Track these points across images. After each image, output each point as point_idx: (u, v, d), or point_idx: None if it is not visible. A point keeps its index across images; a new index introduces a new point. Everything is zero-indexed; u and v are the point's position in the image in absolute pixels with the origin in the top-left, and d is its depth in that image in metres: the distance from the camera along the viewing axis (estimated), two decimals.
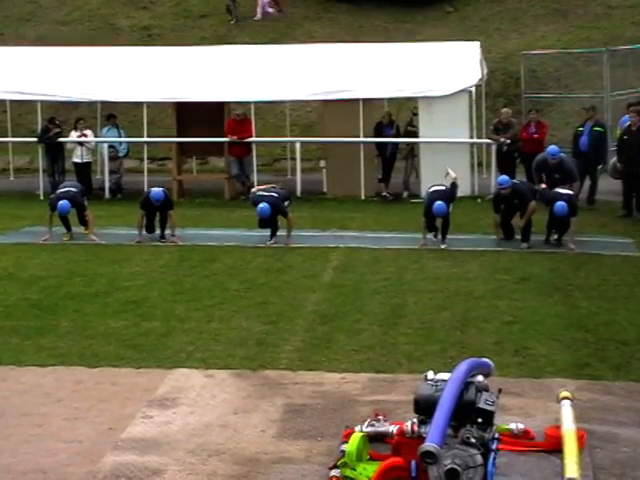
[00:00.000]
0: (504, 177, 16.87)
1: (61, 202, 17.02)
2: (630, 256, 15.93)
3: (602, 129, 20.08)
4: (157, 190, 17.12)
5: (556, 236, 16.54)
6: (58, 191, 17.80)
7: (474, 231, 17.49)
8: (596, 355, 11.35)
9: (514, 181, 17.05)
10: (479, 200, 20.03)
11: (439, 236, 16.64)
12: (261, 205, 16.53)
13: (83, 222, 17.65)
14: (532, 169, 18.31)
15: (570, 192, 16.32)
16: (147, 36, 29.54)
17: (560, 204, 15.80)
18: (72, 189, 17.67)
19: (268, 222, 16.83)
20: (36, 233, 17.62)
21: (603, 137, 20.06)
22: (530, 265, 15.28)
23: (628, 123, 19.03)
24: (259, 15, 31.36)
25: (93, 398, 10.16)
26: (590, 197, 19.64)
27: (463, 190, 19.03)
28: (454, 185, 17.09)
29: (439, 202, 16.15)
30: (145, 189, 18.90)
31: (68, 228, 17.50)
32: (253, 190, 17.90)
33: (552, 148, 17.55)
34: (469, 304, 13.29)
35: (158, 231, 17.26)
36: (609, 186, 19.86)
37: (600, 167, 19.83)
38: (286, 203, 17.09)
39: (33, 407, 9.94)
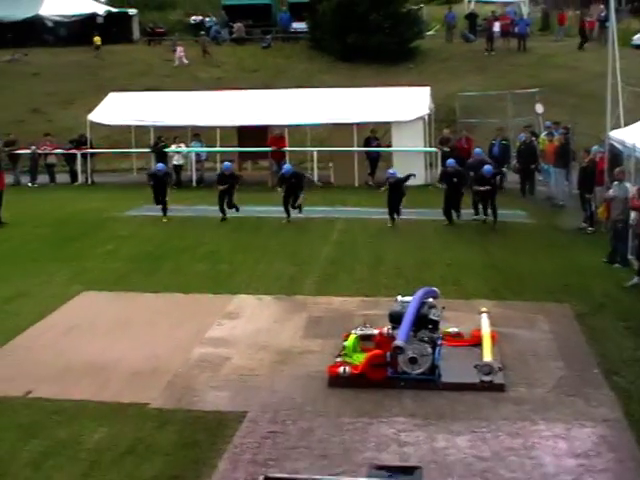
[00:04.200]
0: (451, 160, 16.34)
1: (157, 165, 16.29)
2: (525, 223, 15.87)
3: (507, 142, 20.09)
4: (228, 164, 16.85)
5: (483, 215, 15.51)
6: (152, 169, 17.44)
7: (426, 207, 17.19)
8: (503, 285, 11.39)
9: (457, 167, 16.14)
10: (430, 187, 19.86)
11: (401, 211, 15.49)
12: (286, 166, 16.38)
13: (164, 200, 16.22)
14: (464, 168, 18.10)
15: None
16: (218, 83, 29.18)
17: (487, 167, 15.42)
18: (163, 169, 16.86)
19: (286, 180, 15.75)
20: (150, 209, 16.87)
21: (507, 147, 20.07)
22: (461, 230, 15.22)
23: (524, 139, 19.11)
24: (177, 62, 30.46)
25: (187, 313, 10.26)
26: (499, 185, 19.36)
27: (420, 180, 18.90)
28: (408, 176, 15.93)
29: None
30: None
31: (165, 211, 16.19)
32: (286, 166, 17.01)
33: (477, 150, 17.63)
34: (425, 254, 13.29)
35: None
36: (512, 178, 19.73)
37: (505, 166, 19.71)
38: (301, 195, 15.82)
39: (150, 318, 10.05)
